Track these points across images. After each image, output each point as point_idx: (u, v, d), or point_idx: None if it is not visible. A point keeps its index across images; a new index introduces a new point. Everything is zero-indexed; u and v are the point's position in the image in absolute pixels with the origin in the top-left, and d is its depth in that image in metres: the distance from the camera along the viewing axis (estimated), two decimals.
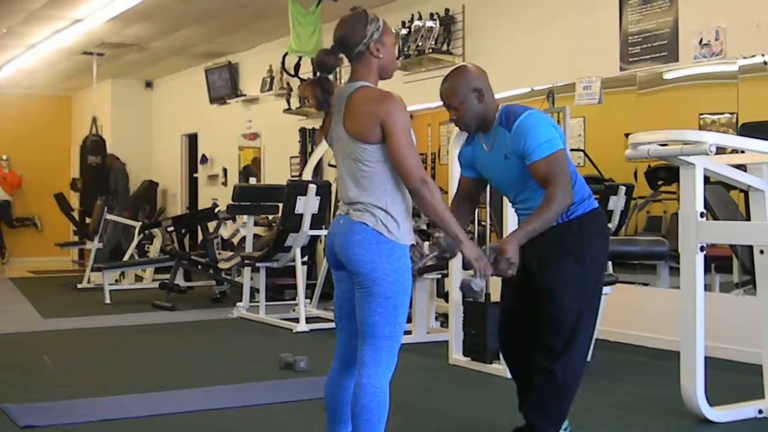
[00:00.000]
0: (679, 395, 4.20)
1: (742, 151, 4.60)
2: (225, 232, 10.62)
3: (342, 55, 2.98)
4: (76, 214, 13.17)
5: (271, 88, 11.26)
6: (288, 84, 10.75)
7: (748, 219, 4.56)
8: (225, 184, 12.72)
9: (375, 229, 2.87)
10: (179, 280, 9.67)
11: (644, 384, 5.15)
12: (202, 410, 4.58)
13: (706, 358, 4.16)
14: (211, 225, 10.30)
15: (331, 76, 2.99)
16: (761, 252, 4.31)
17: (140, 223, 11.22)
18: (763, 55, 5.83)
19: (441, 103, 3.50)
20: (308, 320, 7.34)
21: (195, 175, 13.95)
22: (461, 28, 8.33)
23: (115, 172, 13.15)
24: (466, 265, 3.20)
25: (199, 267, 9.66)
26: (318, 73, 2.98)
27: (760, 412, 4.27)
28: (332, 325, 2.88)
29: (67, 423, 4.30)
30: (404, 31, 8.49)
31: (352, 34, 2.93)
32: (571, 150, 6.63)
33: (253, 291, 8.45)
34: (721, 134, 5.50)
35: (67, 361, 6.18)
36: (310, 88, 2.98)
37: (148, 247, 11.33)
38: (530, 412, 3.54)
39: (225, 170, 12.91)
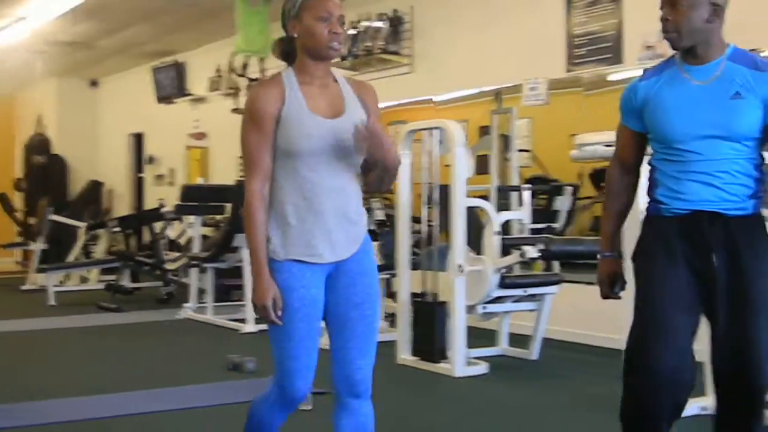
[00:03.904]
0: None
1: None
2: (172, 232, 10.53)
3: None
4: (19, 215, 12.92)
5: (218, 88, 11.18)
6: (236, 84, 10.67)
7: None
8: (172, 183, 12.62)
9: None
10: (125, 281, 9.57)
11: (590, 382, 5.22)
12: (148, 413, 4.53)
13: None
14: (159, 225, 10.21)
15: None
16: None
17: (85, 223, 11.07)
18: None
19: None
20: (256, 321, 7.31)
21: (141, 174, 13.81)
22: (409, 29, 8.35)
23: None
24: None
25: (146, 268, 9.56)
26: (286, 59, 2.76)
27: (704, 409, 4.34)
28: None
29: (1, 427, 4.23)
30: (353, 32, 8.49)
31: (281, 17, 2.73)
32: (519, 150, 6.68)
33: (201, 292, 8.39)
34: None
35: (7, 364, 6.08)
36: (277, 43, 2.75)
37: (93, 248, 11.18)
38: None
39: (172, 170, 12.81)
